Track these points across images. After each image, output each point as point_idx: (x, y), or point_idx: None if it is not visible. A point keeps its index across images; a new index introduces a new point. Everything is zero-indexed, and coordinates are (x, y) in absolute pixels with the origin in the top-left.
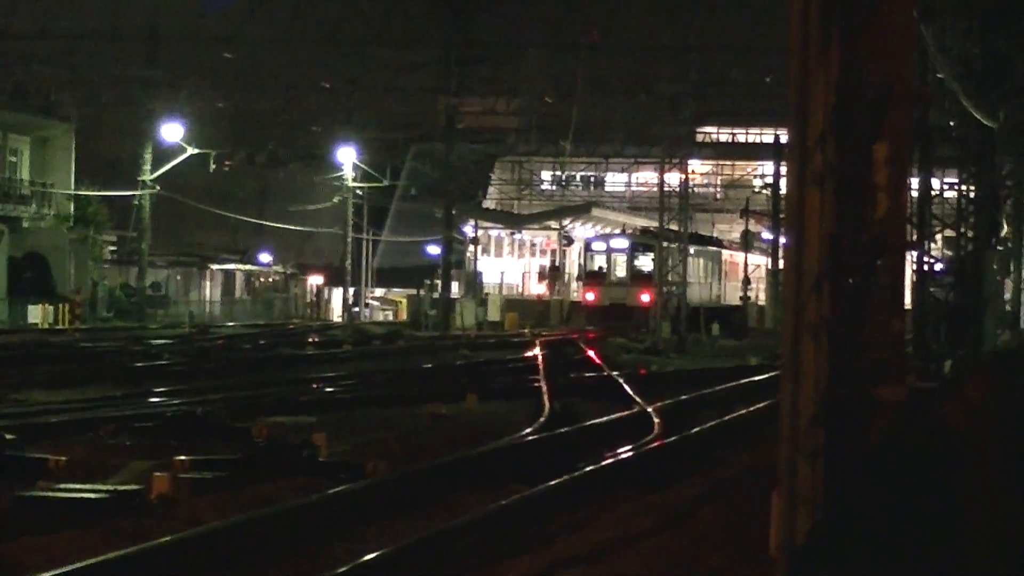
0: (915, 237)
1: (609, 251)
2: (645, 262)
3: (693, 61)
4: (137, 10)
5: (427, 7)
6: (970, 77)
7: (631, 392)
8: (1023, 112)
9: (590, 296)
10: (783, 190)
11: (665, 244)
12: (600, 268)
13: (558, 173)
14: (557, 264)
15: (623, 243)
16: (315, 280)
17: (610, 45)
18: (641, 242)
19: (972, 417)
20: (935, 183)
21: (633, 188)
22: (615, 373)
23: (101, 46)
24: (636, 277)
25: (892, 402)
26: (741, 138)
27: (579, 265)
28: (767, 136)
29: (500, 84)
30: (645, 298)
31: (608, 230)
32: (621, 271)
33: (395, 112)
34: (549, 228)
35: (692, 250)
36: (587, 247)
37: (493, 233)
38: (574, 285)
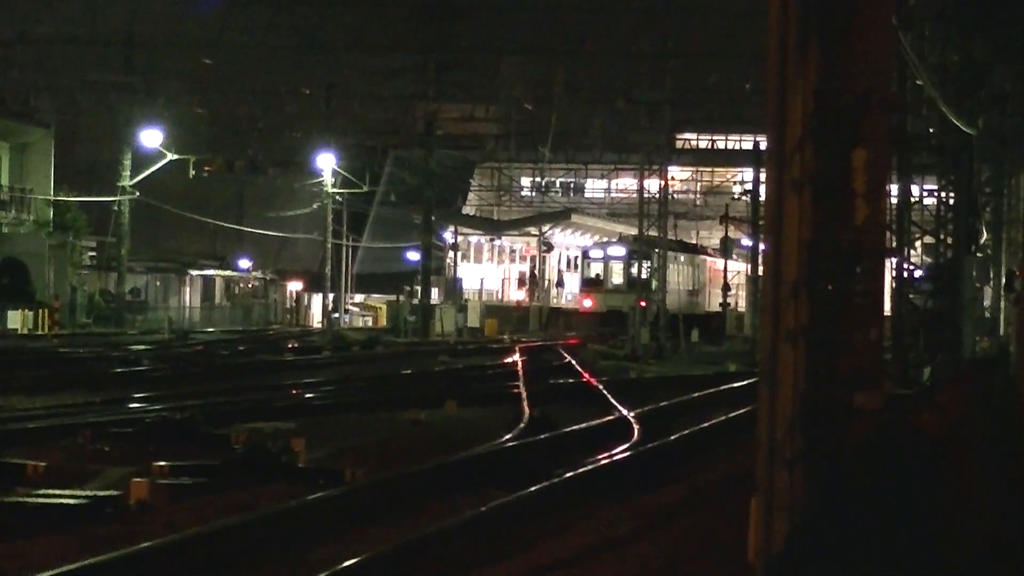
0: (894, 244)
1: (606, 258)
2: (641, 269)
3: (671, 68)
4: (114, 16)
5: (404, 13)
6: (948, 84)
7: (611, 398)
8: (1001, 119)
9: (588, 303)
10: (762, 196)
11: (657, 251)
12: (597, 275)
13: (538, 179)
14: (536, 270)
15: (620, 251)
16: (294, 286)
17: (588, 52)
18: (637, 250)
19: (949, 424)
20: (915, 190)
21: (613, 194)
22: (595, 379)
23: (78, 51)
24: (633, 284)
25: (869, 409)
26: (721, 144)
27: (557, 271)
28: (747, 142)
29: (479, 90)
30: (643, 305)
31: (589, 236)
32: (618, 278)
33: (373, 118)
34: (529, 234)
35: (682, 257)
36: (584, 254)
37: (473, 239)
38: (553, 291)
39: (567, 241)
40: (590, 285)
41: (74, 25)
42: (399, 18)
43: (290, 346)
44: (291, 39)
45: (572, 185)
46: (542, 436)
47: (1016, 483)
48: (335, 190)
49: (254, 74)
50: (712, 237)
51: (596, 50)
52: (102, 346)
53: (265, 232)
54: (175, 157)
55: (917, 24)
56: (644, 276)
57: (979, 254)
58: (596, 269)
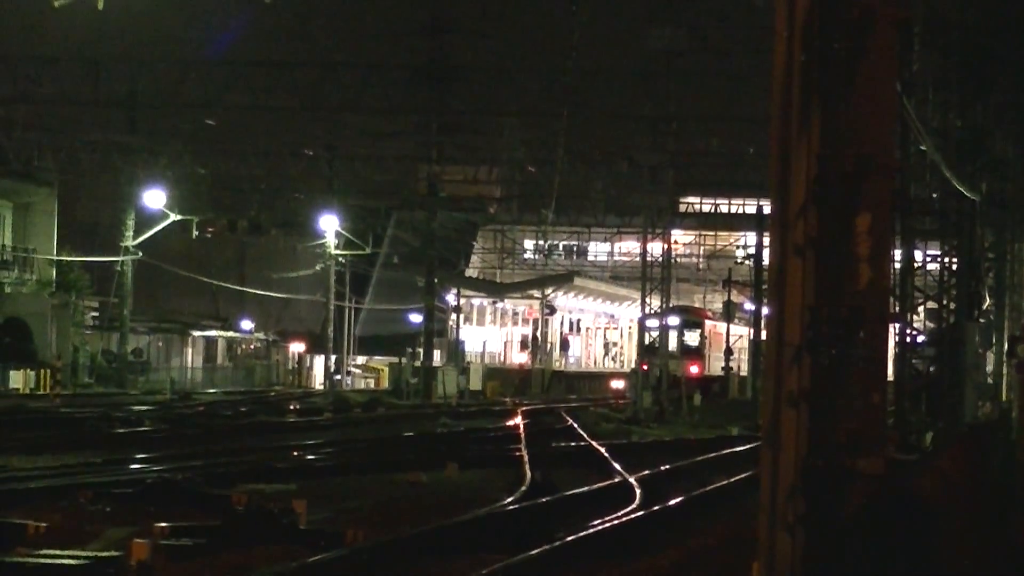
0: (897, 309)
1: (663, 327)
2: (692, 337)
3: (673, 131)
4: (116, 76)
5: (403, 75)
6: (951, 150)
7: (612, 461)
8: (1002, 185)
9: (645, 368)
10: (765, 260)
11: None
12: (653, 342)
13: (541, 242)
14: (539, 333)
15: (675, 320)
16: (297, 347)
17: (589, 114)
18: (689, 320)
19: (946, 490)
20: (918, 255)
21: (616, 257)
22: (596, 442)
23: (80, 112)
24: (685, 351)
25: (870, 474)
26: (724, 208)
27: (560, 334)
28: (750, 206)
29: (481, 152)
30: (694, 369)
31: (592, 299)
32: (672, 345)
33: (376, 180)
34: (531, 297)
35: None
36: (642, 325)
37: (476, 302)
38: (555, 354)
39: (570, 304)
40: (648, 352)
41: (76, 85)
42: (398, 80)
43: (292, 407)
44: (291, 101)
45: (575, 248)
46: (543, 499)
47: (1013, 548)
48: (338, 251)
49: (256, 135)
50: (715, 301)
51: (597, 112)
52: (104, 406)
53: (267, 293)
54: (179, 218)
55: (920, 89)
56: (695, 344)
57: (981, 320)
58: (653, 337)
